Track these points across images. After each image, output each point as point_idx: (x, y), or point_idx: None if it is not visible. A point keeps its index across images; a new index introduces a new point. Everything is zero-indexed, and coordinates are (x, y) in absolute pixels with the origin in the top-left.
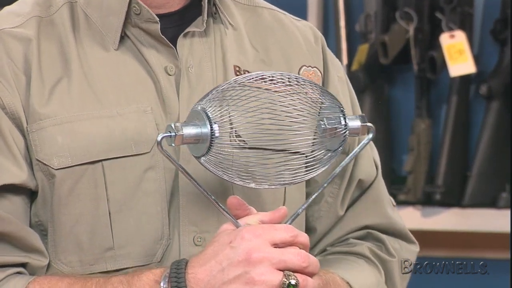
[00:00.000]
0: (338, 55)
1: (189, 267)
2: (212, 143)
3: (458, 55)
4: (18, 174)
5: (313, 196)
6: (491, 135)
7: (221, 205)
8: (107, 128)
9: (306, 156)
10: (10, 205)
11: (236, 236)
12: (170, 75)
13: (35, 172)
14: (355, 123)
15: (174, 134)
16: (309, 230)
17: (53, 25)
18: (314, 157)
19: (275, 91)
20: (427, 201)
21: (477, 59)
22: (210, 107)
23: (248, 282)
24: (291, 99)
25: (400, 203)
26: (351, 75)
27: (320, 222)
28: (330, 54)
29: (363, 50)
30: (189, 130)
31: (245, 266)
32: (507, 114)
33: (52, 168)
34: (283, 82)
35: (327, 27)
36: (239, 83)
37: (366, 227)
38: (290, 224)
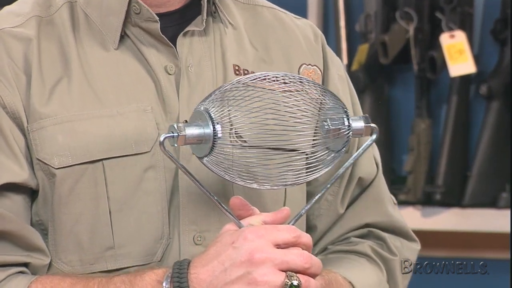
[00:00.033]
0: (338, 55)
1: (192, 267)
2: (214, 143)
3: (458, 55)
4: (19, 173)
5: (317, 197)
6: (491, 135)
7: (223, 205)
8: (107, 127)
9: (309, 157)
10: (11, 204)
11: (239, 237)
12: (170, 74)
13: (36, 171)
14: (358, 124)
15: (176, 134)
16: (309, 228)
17: (53, 25)
18: (317, 157)
19: (279, 91)
20: (427, 201)
21: (477, 59)
22: (213, 107)
23: (251, 283)
24: (295, 99)
25: (400, 203)
26: (351, 75)
27: (321, 220)
28: (330, 52)
29: (363, 50)
30: (192, 131)
31: (247, 266)
32: (507, 114)
33: (53, 167)
34: (286, 83)
35: (327, 27)
36: (242, 84)
37: (367, 225)
38: (293, 225)
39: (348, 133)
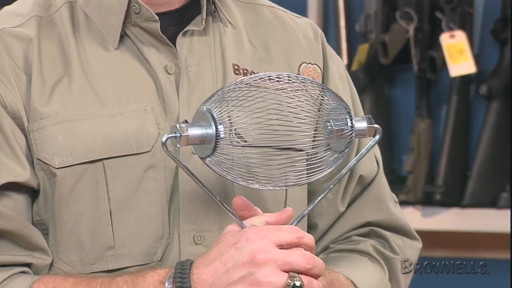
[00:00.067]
0: (338, 55)
1: (194, 268)
2: (217, 144)
3: (458, 55)
4: (20, 173)
5: (319, 198)
6: (491, 135)
7: (226, 206)
8: (107, 127)
9: (311, 158)
10: (12, 203)
11: (241, 237)
12: (170, 74)
13: (36, 171)
14: (361, 125)
15: (179, 135)
16: (310, 227)
17: (53, 25)
18: (319, 158)
19: (282, 91)
20: (427, 201)
21: (477, 59)
22: (215, 108)
23: (253, 283)
24: (298, 100)
25: (400, 203)
26: (351, 75)
27: (321, 219)
28: (330, 51)
29: (363, 50)
30: (194, 131)
31: (250, 267)
32: (507, 114)
33: (53, 167)
34: (290, 83)
35: (327, 27)
36: (245, 84)
37: (368, 223)
38: (295, 225)
39: (351, 133)
